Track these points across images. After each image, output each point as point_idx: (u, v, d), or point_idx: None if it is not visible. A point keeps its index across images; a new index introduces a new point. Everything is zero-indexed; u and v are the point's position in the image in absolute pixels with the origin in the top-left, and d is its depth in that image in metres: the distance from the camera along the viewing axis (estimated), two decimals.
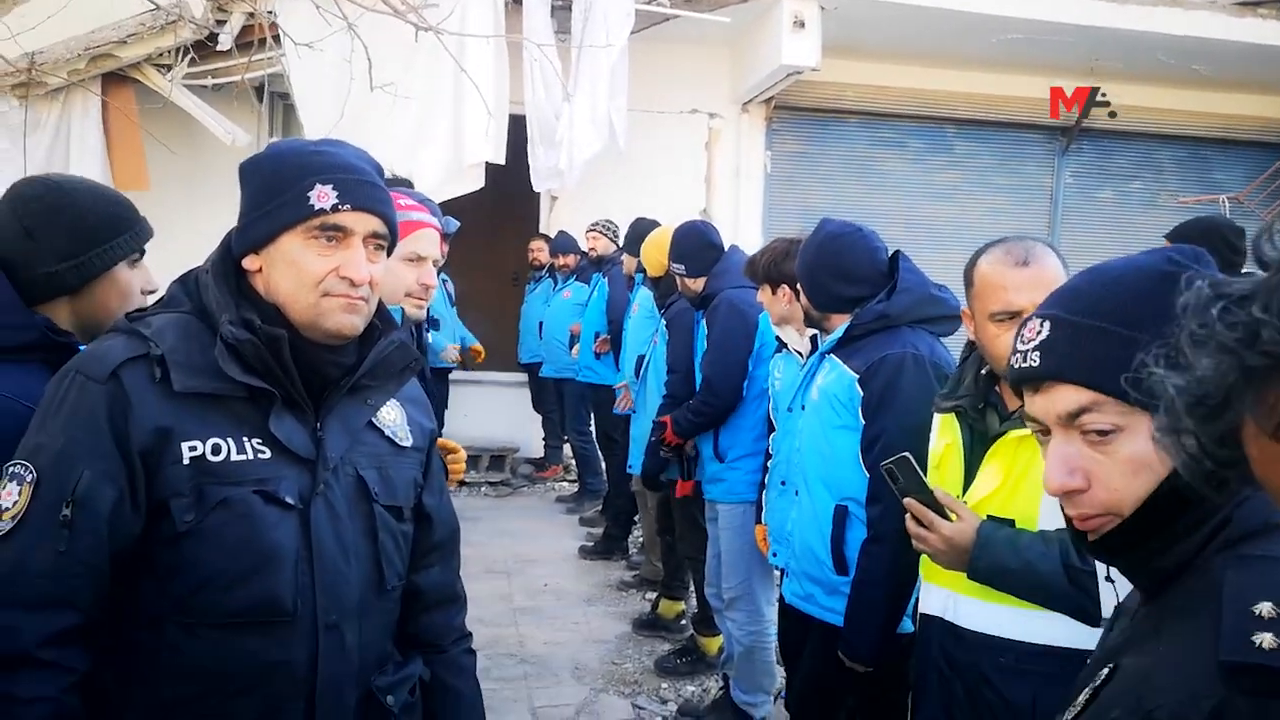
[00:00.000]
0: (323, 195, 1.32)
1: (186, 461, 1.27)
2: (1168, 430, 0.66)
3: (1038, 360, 0.97)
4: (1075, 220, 8.30)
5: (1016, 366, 1.00)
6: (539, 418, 7.43)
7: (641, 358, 4.48)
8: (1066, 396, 0.95)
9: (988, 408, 1.83)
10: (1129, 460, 0.92)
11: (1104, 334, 0.93)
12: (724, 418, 3.61)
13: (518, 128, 6.04)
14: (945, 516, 1.73)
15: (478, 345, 6.82)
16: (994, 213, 8.17)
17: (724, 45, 7.42)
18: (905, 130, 8.04)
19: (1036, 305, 1.61)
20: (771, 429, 3.23)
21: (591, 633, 4.56)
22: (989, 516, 1.73)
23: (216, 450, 1.29)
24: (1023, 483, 1.71)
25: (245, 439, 1.32)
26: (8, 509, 1.24)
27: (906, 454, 1.77)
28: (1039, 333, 0.98)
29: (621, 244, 5.78)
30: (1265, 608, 0.76)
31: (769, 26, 6.68)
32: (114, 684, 1.28)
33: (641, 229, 5.24)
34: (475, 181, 6.02)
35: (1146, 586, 0.96)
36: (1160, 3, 7.07)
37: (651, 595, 4.86)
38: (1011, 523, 1.72)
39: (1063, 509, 0.98)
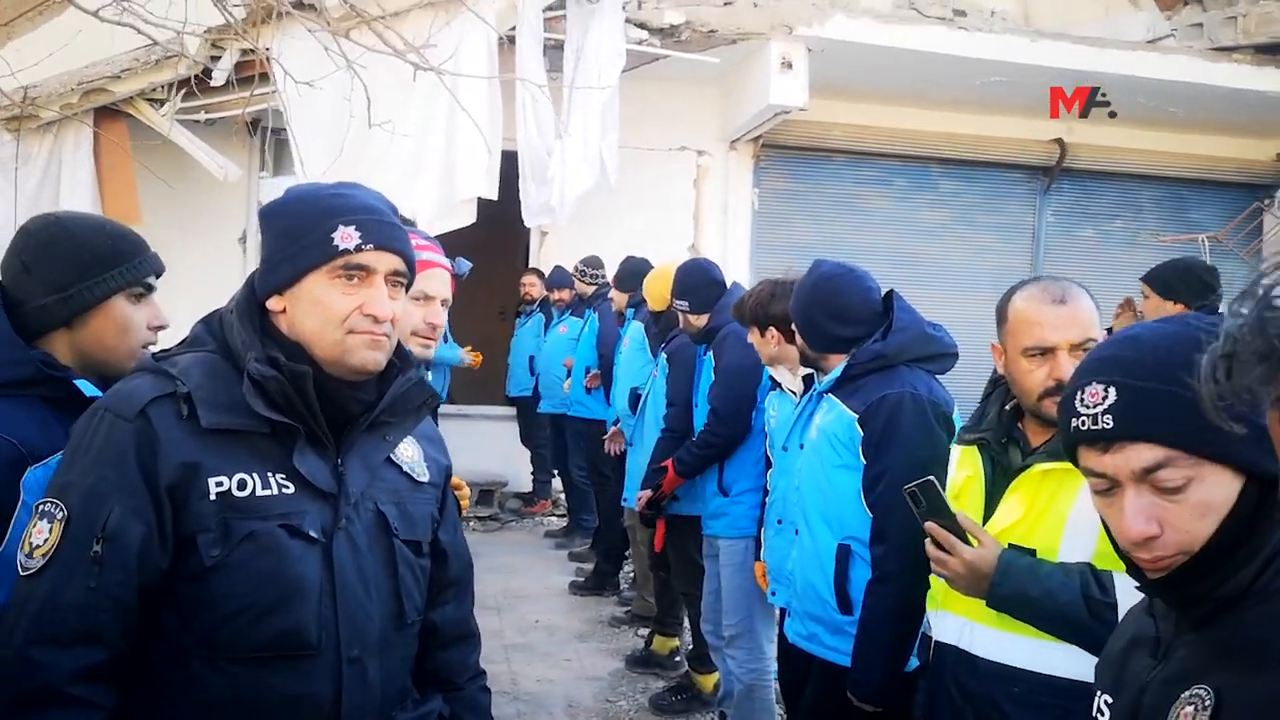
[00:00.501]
0: (346, 236, 1.37)
1: (213, 497, 1.30)
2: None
3: (1110, 422, 1.04)
4: (1057, 258, 8.43)
5: (1085, 429, 1.06)
6: (527, 452, 7.42)
7: (635, 391, 4.50)
8: (1142, 455, 1.03)
9: (1010, 442, 1.86)
10: (1199, 505, 1.01)
11: (1172, 396, 1.00)
12: (730, 450, 3.62)
13: (508, 163, 6.10)
14: (967, 542, 1.74)
15: (467, 355, 6.74)
16: (979, 251, 8.29)
17: (713, 85, 7.53)
18: (890, 169, 8.17)
19: (1070, 342, 1.65)
20: (769, 465, 3.26)
21: (584, 670, 4.54)
22: (1010, 545, 1.74)
23: (242, 485, 1.32)
24: (1046, 515, 1.73)
25: (270, 474, 1.34)
26: (39, 546, 1.26)
27: (931, 478, 1.77)
28: (1104, 398, 1.05)
29: (608, 281, 5.85)
30: None
31: (757, 67, 6.79)
32: (141, 718, 1.29)
33: (632, 266, 5.31)
34: (467, 216, 6.08)
35: (1199, 616, 1.01)
36: (1139, 48, 7.25)
37: (644, 631, 4.84)
38: (1033, 553, 1.73)
39: (1128, 554, 1.06)
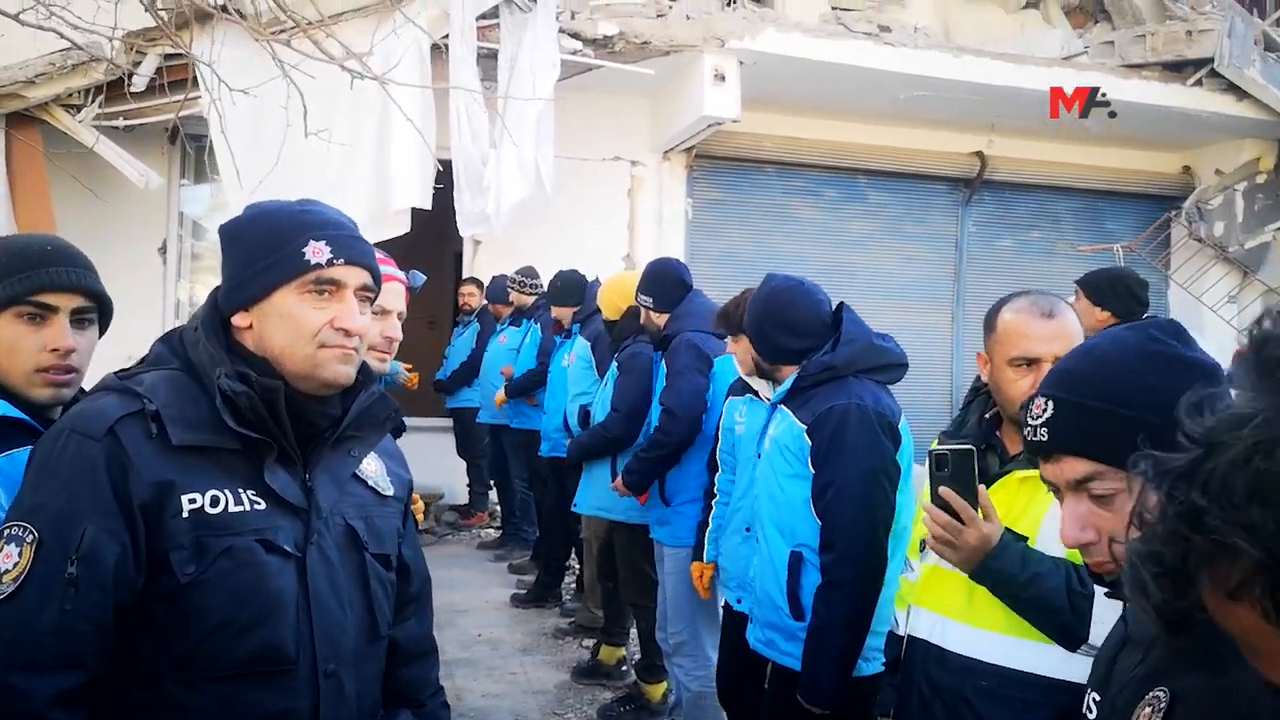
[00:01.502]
0: (318, 251, 1.38)
1: (186, 514, 1.29)
2: (1137, 591, 0.72)
3: (1045, 436, 1.11)
4: (979, 267, 8.69)
5: (1029, 439, 1.13)
6: (461, 463, 7.34)
7: (584, 409, 4.51)
8: (1074, 467, 1.09)
9: (989, 449, 1.91)
10: (1129, 515, 1.02)
11: (1099, 413, 1.07)
12: (678, 454, 3.65)
13: (439, 173, 6.04)
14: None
15: (405, 374, 6.64)
16: (905, 260, 8.50)
17: (646, 96, 7.57)
18: (820, 180, 8.32)
19: (1055, 355, 1.73)
20: (714, 471, 3.30)
21: (531, 683, 4.50)
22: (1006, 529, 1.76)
23: (215, 502, 1.32)
24: (1020, 520, 1.78)
25: (241, 490, 1.34)
26: (9, 571, 1.24)
27: (971, 448, 1.74)
28: (1045, 410, 1.12)
29: (545, 294, 5.86)
30: None
31: (691, 79, 6.86)
32: None
33: (568, 279, 5.30)
34: (401, 226, 5.99)
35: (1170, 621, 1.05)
36: (1054, 64, 7.53)
37: (589, 643, 4.83)
38: (1025, 540, 1.76)
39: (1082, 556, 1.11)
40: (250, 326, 1.40)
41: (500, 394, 6.07)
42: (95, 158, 5.74)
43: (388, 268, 2.12)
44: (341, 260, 1.39)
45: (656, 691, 4.14)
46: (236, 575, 1.30)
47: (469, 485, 7.36)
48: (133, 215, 6.68)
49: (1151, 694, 0.99)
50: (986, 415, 1.96)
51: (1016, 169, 8.58)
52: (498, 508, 7.14)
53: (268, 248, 1.39)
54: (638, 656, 4.33)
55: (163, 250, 7.04)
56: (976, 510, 1.70)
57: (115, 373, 1.41)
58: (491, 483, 7.06)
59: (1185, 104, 7.64)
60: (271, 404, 1.35)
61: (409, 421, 6.86)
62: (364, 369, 1.51)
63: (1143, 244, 8.55)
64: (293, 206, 1.46)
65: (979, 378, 2.01)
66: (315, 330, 1.37)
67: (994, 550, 1.70)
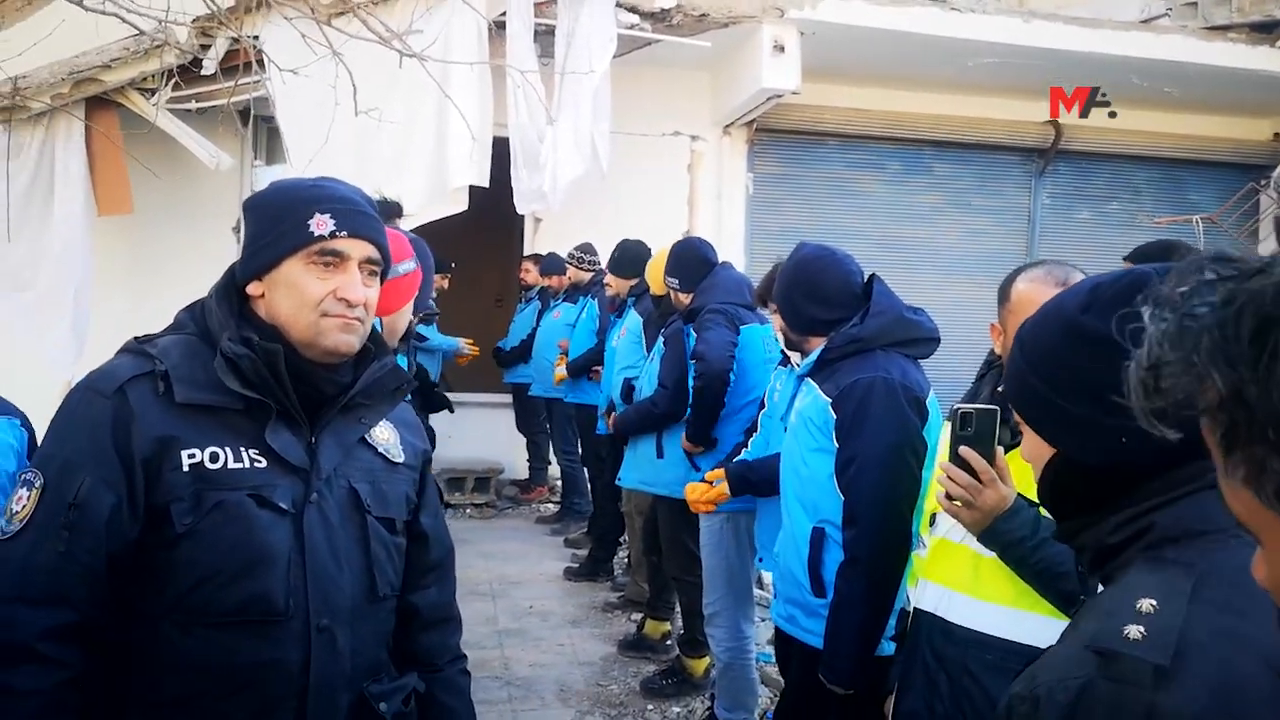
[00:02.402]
0: (321, 223, 1.45)
1: (186, 468, 1.36)
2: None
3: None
4: (1053, 241, 8.40)
5: None
6: (523, 439, 7.45)
7: (629, 381, 4.52)
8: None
9: (1002, 422, 1.88)
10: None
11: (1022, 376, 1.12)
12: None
13: (500, 150, 6.09)
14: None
15: (464, 349, 6.84)
16: (973, 234, 8.27)
17: (705, 69, 7.50)
18: (884, 152, 8.13)
19: None
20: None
21: (577, 655, 4.57)
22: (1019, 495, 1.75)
23: (215, 458, 1.38)
24: (1030, 491, 1.75)
25: (243, 449, 1.41)
26: (18, 512, 1.35)
27: (996, 408, 1.72)
28: None
29: (603, 267, 5.86)
30: (1146, 603, 0.85)
31: (749, 50, 6.77)
32: (114, 681, 1.35)
33: (628, 251, 5.29)
34: (458, 204, 6.07)
35: (1100, 579, 1.08)
36: (1133, 28, 7.22)
37: (637, 616, 4.87)
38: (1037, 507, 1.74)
39: None
40: (262, 295, 1.48)
41: (560, 371, 6.11)
42: (169, 140, 5.94)
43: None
44: (345, 233, 1.45)
45: (699, 666, 4.16)
46: (225, 528, 1.37)
47: (529, 460, 7.46)
48: (207, 196, 6.90)
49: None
50: (999, 388, 1.91)
51: (1093, 138, 8.23)
52: (558, 482, 7.23)
53: (277, 220, 1.47)
54: (681, 631, 4.36)
55: (236, 229, 7.25)
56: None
57: (135, 337, 1.50)
58: (551, 459, 7.15)
59: (1273, 67, 7.23)
60: (273, 367, 1.41)
61: (469, 398, 7.04)
62: (377, 339, 1.58)
63: (1225, 214, 8.16)
64: (306, 182, 1.54)
65: (992, 350, 1.96)
66: (318, 300, 1.44)
67: (1005, 513, 1.69)
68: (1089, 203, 8.54)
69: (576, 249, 6.43)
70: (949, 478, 1.71)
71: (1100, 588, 1.09)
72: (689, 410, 3.88)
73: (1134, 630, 0.83)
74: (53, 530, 1.32)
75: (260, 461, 1.41)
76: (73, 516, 1.32)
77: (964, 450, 1.70)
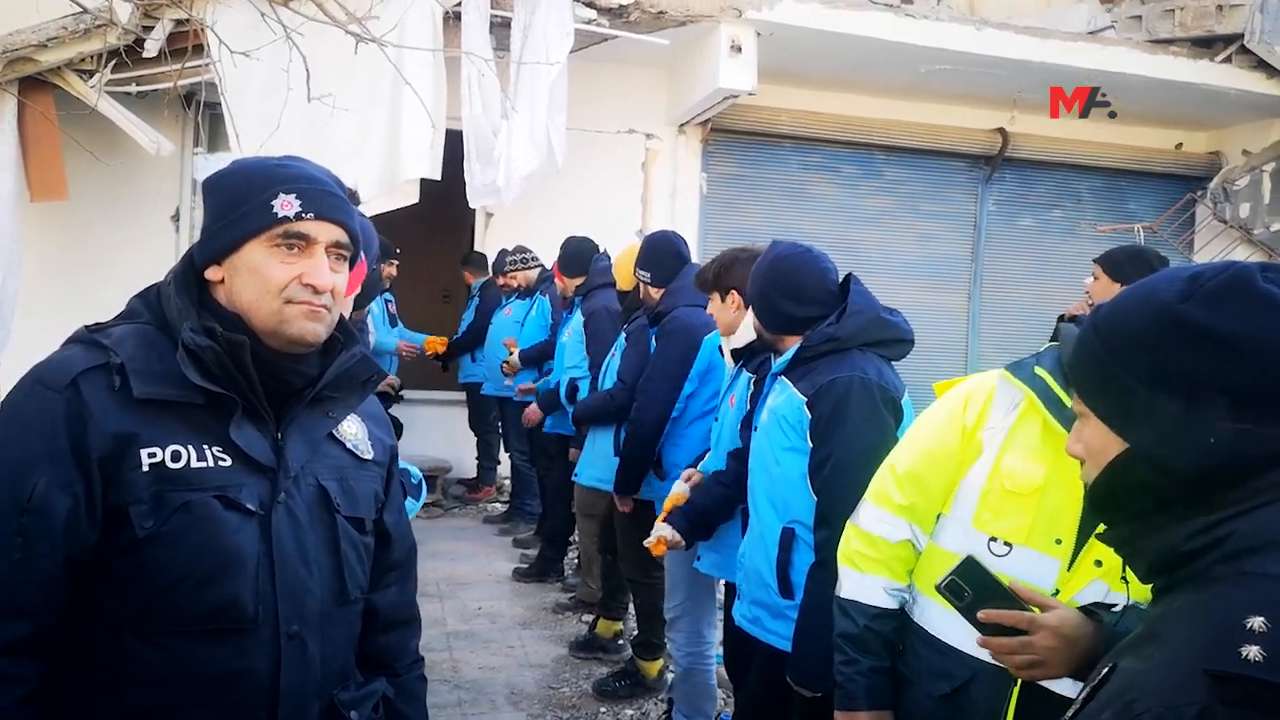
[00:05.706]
0: (286, 204, 1.36)
1: (146, 468, 1.27)
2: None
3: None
4: (998, 246, 8.56)
5: None
6: (472, 438, 7.33)
7: (573, 381, 4.47)
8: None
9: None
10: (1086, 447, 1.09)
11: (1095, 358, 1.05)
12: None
13: (453, 143, 5.99)
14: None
15: (431, 340, 6.85)
16: (922, 238, 8.38)
17: (662, 67, 7.48)
18: (837, 155, 8.20)
19: None
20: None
21: (528, 657, 4.49)
22: (1080, 608, 1.46)
23: (176, 457, 1.29)
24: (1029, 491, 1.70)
25: (206, 446, 1.32)
26: None
27: (970, 555, 1.49)
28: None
29: (542, 263, 5.84)
30: (1257, 622, 0.81)
31: (707, 50, 6.75)
32: (76, 695, 1.26)
33: (576, 248, 5.23)
34: (410, 196, 5.95)
35: (1155, 587, 1.03)
36: (1080, 39, 7.36)
37: (588, 618, 4.80)
38: (1107, 608, 1.47)
39: None
40: (222, 281, 1.38)
41: (512, 360, 6.01)
42: (108, 124, 5.72)
43: None
44: (311, 215, 1.36)
45: (653, 668, 4.11)
46: (192, 532, 1.28)
47: (477, 459, 7.36)
48: (146, 183, 6.67)
49: (1103, 661, 1.00)
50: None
51: (1039, 146, 8.41)
52: (506, 482, 7.14)
53: (239, 200, 1.37)
54: (635, 632, 4.31)
55: (175, 218, 7.03)
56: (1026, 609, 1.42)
57: (86, 326, 1.39)
58: (502, 457, 7.07)
59: (1213, 81, 7.46)
60: (238, 359, 1.32)
61: (421, 395, 6.97)
62: (345, 329, 1.49)
63: (1164, 224, 8.38)
64: (269, 161, 1.43)
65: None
66: (282, 285, 1.35)
67: (1092, 634, 1.37)
68: (1033, 209, 8.71)
69: (512, 253, 6.33)
70: (1001, 653, 1.44)
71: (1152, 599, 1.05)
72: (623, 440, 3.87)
73: (1253, 651, 0.79)
74: (5, 537, 1.22)
75: (225, 460, 1.32)
76: (27, 522, 1.22)
77: (983, 616, 1.42)
